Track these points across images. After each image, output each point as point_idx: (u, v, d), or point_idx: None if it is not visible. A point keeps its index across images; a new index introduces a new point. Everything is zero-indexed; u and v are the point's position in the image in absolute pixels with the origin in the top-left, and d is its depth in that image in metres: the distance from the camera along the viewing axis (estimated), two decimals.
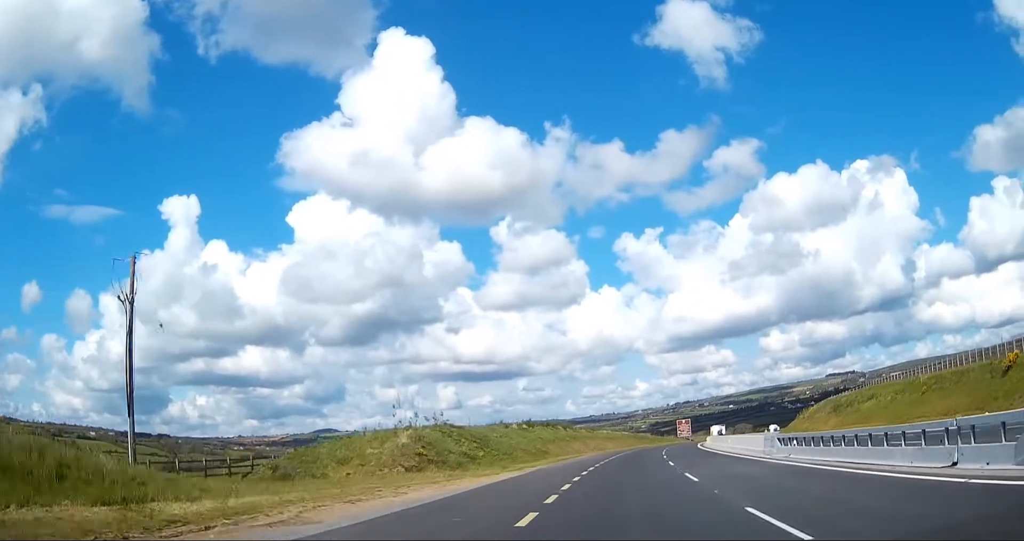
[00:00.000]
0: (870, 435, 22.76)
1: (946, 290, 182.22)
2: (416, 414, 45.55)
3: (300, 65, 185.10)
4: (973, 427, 16.85)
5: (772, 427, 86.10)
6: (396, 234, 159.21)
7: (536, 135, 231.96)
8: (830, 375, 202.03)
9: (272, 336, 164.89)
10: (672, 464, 32.46)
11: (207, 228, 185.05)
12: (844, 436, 25.18)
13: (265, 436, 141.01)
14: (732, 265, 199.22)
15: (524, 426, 73.32)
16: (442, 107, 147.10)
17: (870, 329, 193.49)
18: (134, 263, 35.40)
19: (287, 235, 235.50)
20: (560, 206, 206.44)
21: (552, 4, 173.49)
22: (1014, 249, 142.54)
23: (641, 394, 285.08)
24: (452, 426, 49.96)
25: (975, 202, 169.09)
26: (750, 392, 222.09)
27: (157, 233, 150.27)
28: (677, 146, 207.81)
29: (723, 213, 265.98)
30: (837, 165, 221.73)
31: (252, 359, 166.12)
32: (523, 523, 12.08)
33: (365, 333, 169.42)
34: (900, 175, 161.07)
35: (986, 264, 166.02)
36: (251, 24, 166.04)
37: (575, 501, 16.53)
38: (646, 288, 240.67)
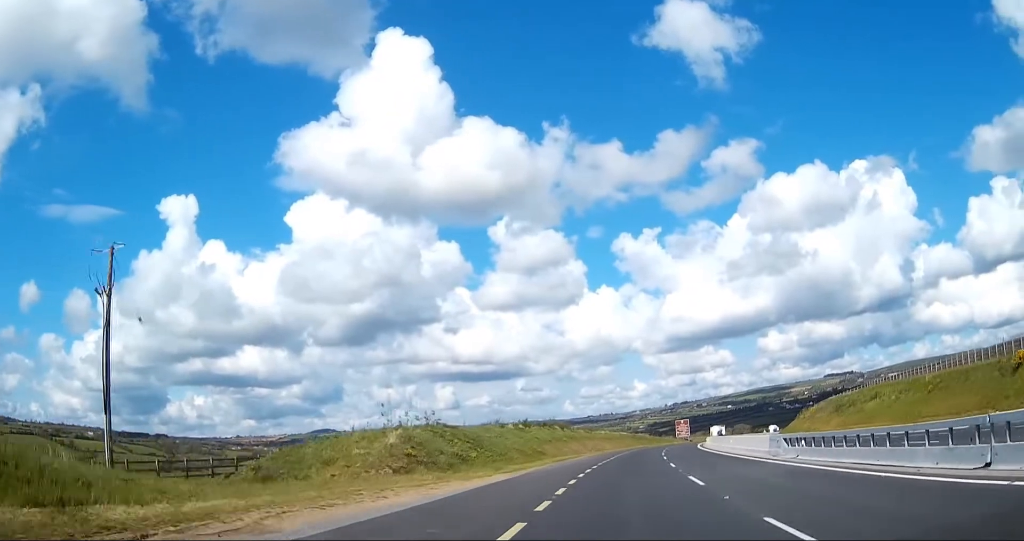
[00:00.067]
0: (888, 434, 21.15)
1: (944, 290, 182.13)
2: (407, 413, 43.86)
3: (298, 65, 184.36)
4: (1009, 424, 15.33)
5: (772, 427, 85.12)
6: (394, 234, 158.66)
7: (534, 135, 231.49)
8: (828, 375, 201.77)
9: (270, 336, 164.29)
10: (673, 466, 30.82)
11: (205, 228, 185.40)
12: (859, 436, 23.53)
13: (263, 436, 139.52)
14: (730, 265, 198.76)
15: (520, 426, 71.49)
16: (440, 107, 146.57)
17: (868, 329, 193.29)
18: (112, 254, 33.90)
19: (285, 235, 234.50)
20: (558, 206, 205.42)
21: (550, 4, 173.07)
22: (1013, 249, 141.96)
23: (639, 394, 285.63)
24: (445, 426, 48.11)
25: (974, 202, 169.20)
26: (748, 392, 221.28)
27: (155, 233, 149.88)
28: (675, 146, 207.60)
29: (721, 213, 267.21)
30: (836, 165, 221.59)
31: (250, 359, 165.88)
32: (507, 537, 10.37)
33: (363, 333, 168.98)
34: (899, 175, 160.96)
35: (985, 264, 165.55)
36: (249, 24, 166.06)
37: (570, 508, 14.81)
38: (644, 288, 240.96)
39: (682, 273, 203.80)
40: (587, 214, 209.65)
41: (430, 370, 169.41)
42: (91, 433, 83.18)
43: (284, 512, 15.12)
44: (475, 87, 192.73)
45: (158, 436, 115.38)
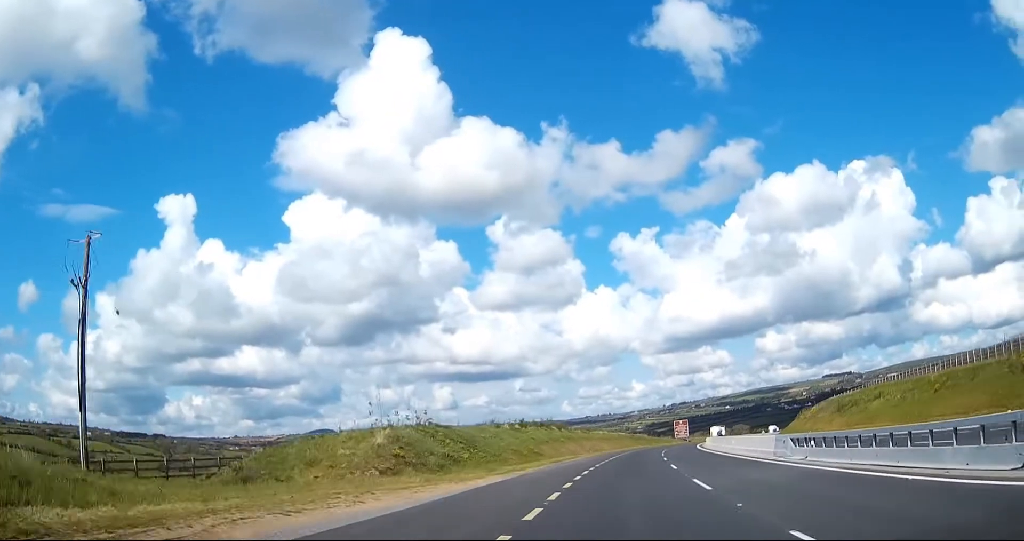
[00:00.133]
0: (909, 433, 19.44)
1: (943, 291, 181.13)
2: (396, 412, 42.10)
3: (296, 65, 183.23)
4: None
5: (771, 428, 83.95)
6: (392, 234, 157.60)
7: (533, 135, 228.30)
8: (827, 376, 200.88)
9: (268, 336, 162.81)
10: (675, 467, 29.13)
11: (203, 227, 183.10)
12: (875, 435, 21.84)
13: (261, 436, 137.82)
14: (728, 265, 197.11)
15: (516, 426, 69.67)
16: (438, 107, 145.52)
17: (867, 330, 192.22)
18: (88, 244, 32.19)
19: (283, 234, 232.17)
20: (556, 206, 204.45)
21: (549, 4, 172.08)
22: (1011, 249, 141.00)
23: (637, 395, 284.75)
24: (436, 426, 46.33)
25: (972, 202, 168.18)
26: (746, 393, 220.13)
27: (153, 232, 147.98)
28: (674, 146, 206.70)
29: (720, 213, 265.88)
30: (834, 165, 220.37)
31: (248, 359, 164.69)
32: None
33: (361, 333, 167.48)
34: (897, 175, 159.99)
35: (983, 264, 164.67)
36: (248, 24, 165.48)
37: (563, 518, 13.05)
38: (642, 288, 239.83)
39: (680, 273, 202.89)
40: (585, 214, 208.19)
41: (428, 370, 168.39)
42: (89, 433, 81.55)
43: (242, 518, 13.44)
44: (474, 87, 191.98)
45: (156, 436, 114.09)
